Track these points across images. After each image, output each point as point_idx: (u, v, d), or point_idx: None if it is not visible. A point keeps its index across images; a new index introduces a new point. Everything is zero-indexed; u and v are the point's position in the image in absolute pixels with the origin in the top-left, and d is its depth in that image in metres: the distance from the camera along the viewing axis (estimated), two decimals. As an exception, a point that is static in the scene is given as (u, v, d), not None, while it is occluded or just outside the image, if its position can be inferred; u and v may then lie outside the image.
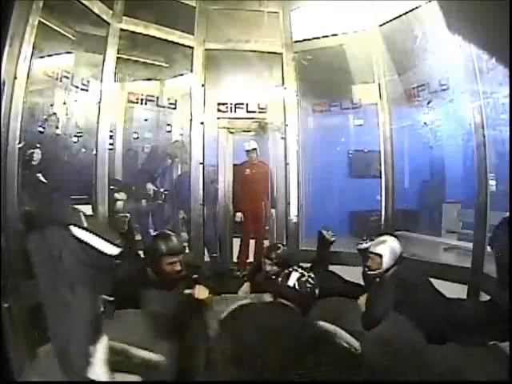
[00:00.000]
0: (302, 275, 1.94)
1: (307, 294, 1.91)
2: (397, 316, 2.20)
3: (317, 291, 1.94)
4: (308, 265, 2.51)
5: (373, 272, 2.38)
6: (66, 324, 1.19)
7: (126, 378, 1.57)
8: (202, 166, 3.60)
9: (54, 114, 2.83)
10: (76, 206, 1.42)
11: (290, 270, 1.99)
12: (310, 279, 1.92)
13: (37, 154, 2.65)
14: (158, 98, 3.98)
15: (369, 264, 2.40)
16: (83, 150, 3.05)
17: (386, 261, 2.33)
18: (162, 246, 2.09)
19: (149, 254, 2.24)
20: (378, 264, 2.34)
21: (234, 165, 4.70)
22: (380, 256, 2.34)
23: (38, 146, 2.67)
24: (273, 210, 4.28)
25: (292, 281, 1.91)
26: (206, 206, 3.70)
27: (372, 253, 2.39)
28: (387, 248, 2.36)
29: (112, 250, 1.23)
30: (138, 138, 4.31)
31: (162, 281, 2.10)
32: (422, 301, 2.18)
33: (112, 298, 1.58)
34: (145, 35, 3.37)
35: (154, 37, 3.42)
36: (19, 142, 2.10)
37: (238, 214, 4.32)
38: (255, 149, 4.32)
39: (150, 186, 4.11)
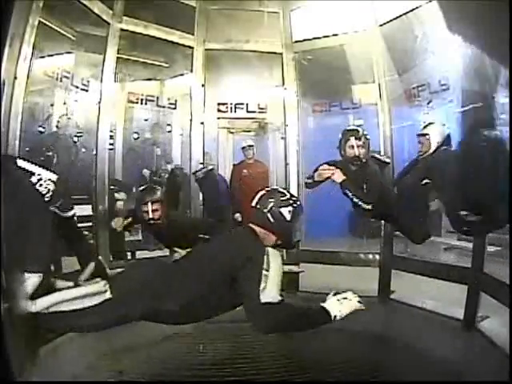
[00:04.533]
0: (280, 200, 1.69)
1: (279, 222, 1.67)
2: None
3: (291, 218, 1.68)
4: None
5: (423, 155, 2.57)
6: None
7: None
8: (201, 166, 3.59)
9: (64, 115, 2.84)
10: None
11: (268, 189, 1.79)
12: (288, 207, 1.68)
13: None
14: (157, 98, 3.97)
15: (420, 149, 2.61)
16: (83, 150, 3.05)
17: (434, 139, 2.53)
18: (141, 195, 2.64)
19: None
20: (427, 145, 2.54)
21: (234, 165, 4.71)
22: (427, 135, 2.55)
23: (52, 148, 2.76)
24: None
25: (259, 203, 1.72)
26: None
27: (421, 135, 2.60)
28: (435, 128, 2.57)
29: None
30: (138, 138, 4.32)
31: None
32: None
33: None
34: (145, 35, 3.36)
35: (154, 37, 3.41)
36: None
37: (237, 215, 4.32)
38: (252, 146, 4.32)
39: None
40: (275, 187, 1.85)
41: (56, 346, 2.25)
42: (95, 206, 2.95)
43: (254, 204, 1.72)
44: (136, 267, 1.96)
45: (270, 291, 1.43)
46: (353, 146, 2.57)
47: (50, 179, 1.55)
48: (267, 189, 1.79)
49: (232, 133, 5.13)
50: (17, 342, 1.88)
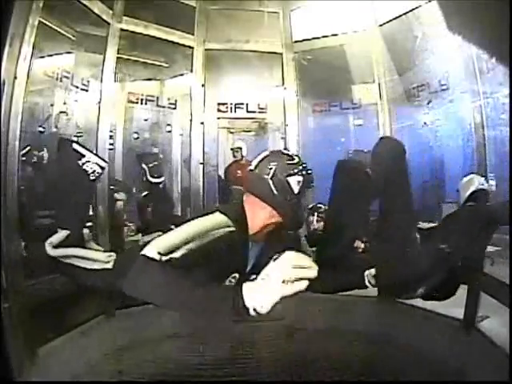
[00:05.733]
0: (287, 165, 1.33)
1: (284, 194, 1.31)
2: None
3: (299, 191, 1.34)
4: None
5: None
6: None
7: None
8: (202, 166, 3.60)
9: (63, 112, 2.85)
10: None
11: (272, 150, 1.44)
12: (296, 175, 1.33)
13: (45, 154, 2.75)
14: (157, 98, 3.98)
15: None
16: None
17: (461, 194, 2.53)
18: None
19: None
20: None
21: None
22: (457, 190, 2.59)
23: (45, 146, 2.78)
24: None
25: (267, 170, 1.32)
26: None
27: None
28: (462, 182, 2.57)
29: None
30: (137, 138, 4.32)
31: None
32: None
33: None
34: (145, 35, 3.35)
35: (154, 37, 3.41)
36: (25, 146, 2.21)
37: None
38: (240, 148, 4.34)
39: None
40: (280, 149, 1.48)
41: (56, 346, 2.25)
42: (95, 206, 2.95)
43: (252, 167, 1.36)
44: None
45: (153, 245, 1.13)
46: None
47: (97, 163, 1.88)
48: (270, 150, 1.44)
49: (232, 133, 5.13)
50: (16, 341, 1.88)
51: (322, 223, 2.76)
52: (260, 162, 1.35)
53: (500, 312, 2.24)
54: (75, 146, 1.89)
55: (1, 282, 1.80)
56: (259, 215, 1.31)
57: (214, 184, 4.33)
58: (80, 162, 1.86)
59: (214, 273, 1.22)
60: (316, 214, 2.90)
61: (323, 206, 2.88)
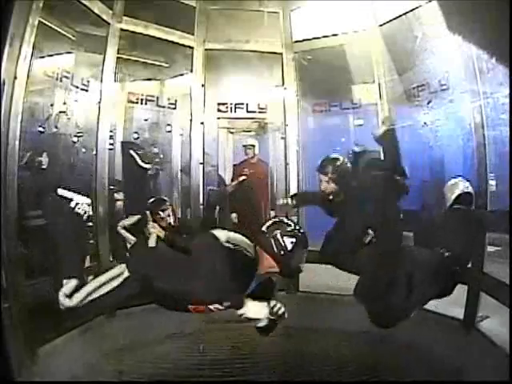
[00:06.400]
0: (285, 230, 1.81)
1: (280, 251, 1.77)
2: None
3: (292, 248, 1.77)
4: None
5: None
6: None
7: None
8: (201, 166, 3.60)
9: (63, 112, 2.84)
10: None
11: (277, 219, 1.93)
12: (291, 237, 1.79)
13: (45, 158, 2.71)
14: (157, 98, 3.97)
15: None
16: (83, 150, 3.04)
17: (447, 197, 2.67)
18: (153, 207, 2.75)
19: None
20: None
21: (234, 165, 4.71)
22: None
23: (45, 150, 2.75)
24: (272, 212, 4.29)
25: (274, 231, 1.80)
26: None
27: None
28: (447, 185, 2.72)
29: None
30: (138, 138, 4.31)
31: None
32: None
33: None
34: (145, 35, 3.36)
35: (154, 37, 3.41)
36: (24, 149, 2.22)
37: (234, 215, 4.31)
38: (253, 145, 4.32)
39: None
40: (283, 218, 1.97)
41: (56, 346, 2.25)
42: (95, 206, 2.95)
43: (264, 229, 1.85)
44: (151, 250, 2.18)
45: (222, 233, 1.80)
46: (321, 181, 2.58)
47: (85, 203, 1.89)
48: (277, 218, 1.96)
49: (232, 133, 5.13)
50: (16, 341, 1.88)
51: (332, 185, 2.51)
52: (269, 226, 1.85)
53: (500, 312, 2.25)
54: (60, 191, 1.91)
55: (1, 282, 1.80)
56: (265, 262, 1.79)
57: (214, 184, 4.33)
58: (70, 206, 1.88)
59: (230, 281, 1.67)
60: (330, 170, 2.54)
61: (341, 158, 2.58)
